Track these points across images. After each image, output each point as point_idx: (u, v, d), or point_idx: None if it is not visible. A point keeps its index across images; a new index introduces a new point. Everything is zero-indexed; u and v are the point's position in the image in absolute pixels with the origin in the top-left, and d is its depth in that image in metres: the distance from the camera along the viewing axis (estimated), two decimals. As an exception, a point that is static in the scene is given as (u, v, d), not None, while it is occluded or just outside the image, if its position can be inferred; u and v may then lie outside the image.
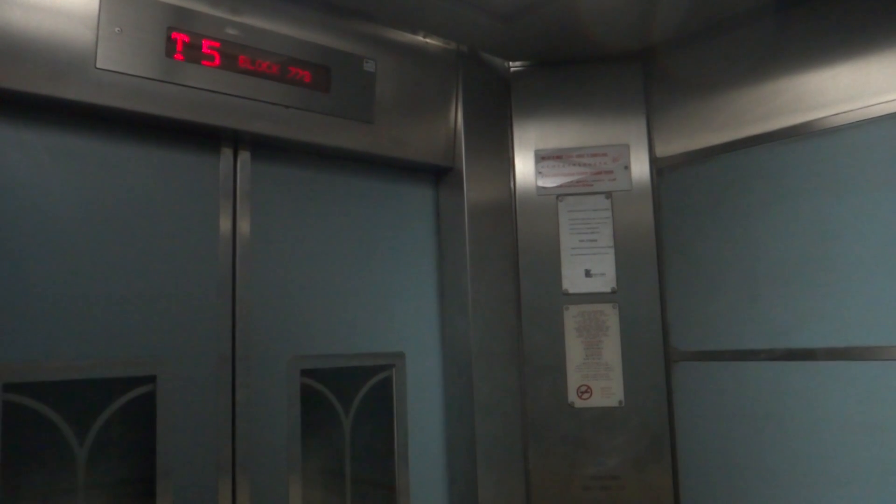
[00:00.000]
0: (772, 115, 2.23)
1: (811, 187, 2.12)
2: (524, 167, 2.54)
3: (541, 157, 2.54)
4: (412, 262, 2.42)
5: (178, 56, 1.81)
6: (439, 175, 2.51)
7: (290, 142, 2.08)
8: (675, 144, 2.47)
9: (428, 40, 2.40)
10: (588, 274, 2.47)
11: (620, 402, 2.41)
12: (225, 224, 2.00)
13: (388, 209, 2.38)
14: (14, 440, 1.67)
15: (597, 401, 2.42)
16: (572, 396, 2.43)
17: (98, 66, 1.69)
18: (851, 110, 2.05)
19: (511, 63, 2.62)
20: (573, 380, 2.43)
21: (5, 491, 1.64)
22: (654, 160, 2.51)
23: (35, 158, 1.71)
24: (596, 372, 2.42)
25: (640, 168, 2.50)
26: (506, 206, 2.52)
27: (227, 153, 2.03)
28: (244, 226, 2.04)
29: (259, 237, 2.07)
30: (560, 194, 2.51)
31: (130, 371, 1.81)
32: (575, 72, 2.58)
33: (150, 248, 1.87)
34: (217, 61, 1.88)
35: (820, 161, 2.11)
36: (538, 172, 2.53)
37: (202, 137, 1.98)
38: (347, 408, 2.25)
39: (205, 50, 1.86)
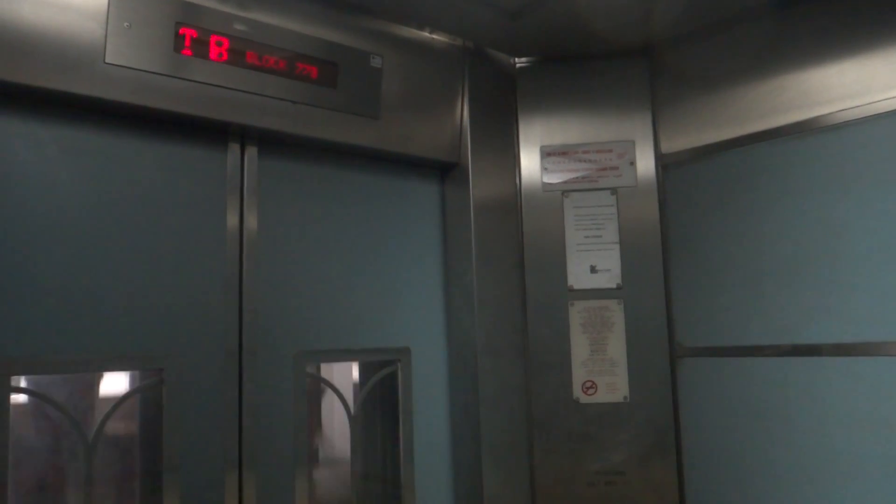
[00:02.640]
0: (777, 111, 2.23)
1: (817, 183, 2.12)
2: (529, 163, 2.54)
3: (546, 153, 2.54)
4: (418, 258, 2.43)
5: (187, 51, 1.82)
6: (445, 171, 2.51)
7: (296, 137, 2.09)
8: (681, 141, 2.47)
9: (434, 36, 2.41)
10: (593, 270, 2.47)
11: (625, 397, 2.41)
12: (232, 219, 2.01)
13: (394, 205, 2.38)
14: (22, 433, 1.69)
15: (602, 396, 2.42)
16: (577, 392, 2.43)
17: (107, 60, 1.70)
18: (857, 106, 2.05)
19: (517, 59, 2.62)
20: (578, 375, 2.44)
21: (14, 484, 1.64)
22: (659, 156, 2.51)
23: (44, 152, 1.71)
24: (601, 368, 2.43)
25: (645, 164, 2.50)
26: (511, 202, 2.52)
27: (234, 148, 2.04)
28: (251, 221, 2.04)
29: (266, 232, 2.07)
30: (565, 190, 2.52)
31: (138, 365, 1.82)
32: (580, 68, 2.58)
33: (158, 243, 1.87)
34: (225, 57, 1.89)
35: (825, 157, 2.11)
36: (543, 168, 2.53)
37: (210, 132, 1.98)
38: (353, 402, 2.25)
39: (213, 45, 1.86)
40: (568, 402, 2.43)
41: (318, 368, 2.20)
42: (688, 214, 2.43)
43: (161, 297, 1.86)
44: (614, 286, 2.46)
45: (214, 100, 1.89)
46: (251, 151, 2.06)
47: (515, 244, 2.51)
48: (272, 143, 2.10)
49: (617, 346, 2.43)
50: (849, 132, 2.07)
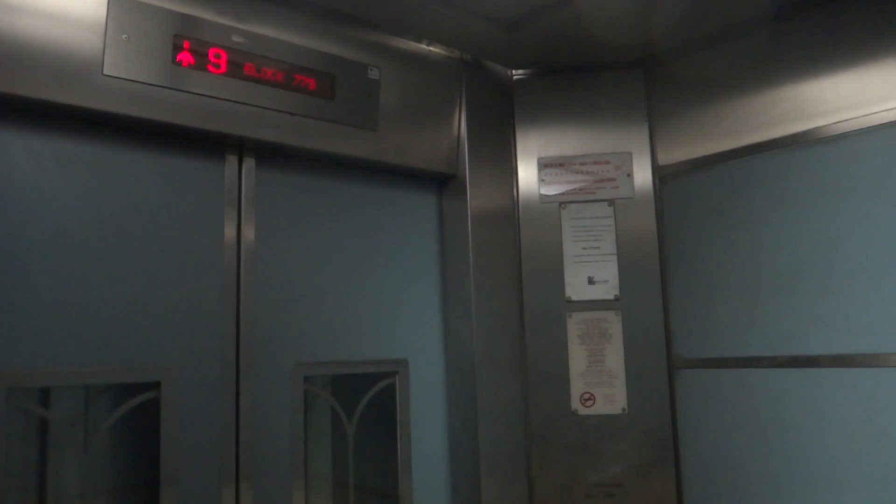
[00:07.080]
0: (773, 123, 2.24)
1: (813, 195, 2.13)
2: (527, 175, 2.55)
3: (544, 165, 2.55)
4: (416, 270, 2.42)
5: (185, 63, 1.82)
6: (443, 182, 2.51)
7: (294, 149, 2.09)
8: (678, 152, 2.48)
9: (431, 48, 2.42)
10: (591, 281, 2.47)
11: (624, 409, 2.40)
12: (229, 231, 2.01)
13: (391, 216, 2.38)
14: (19, 445, 1.68)
15: (600, 408, 2.41)
16: (576, 404, 2.42)
17: (105, 72, 1.70)
18: (852, 118, 2.06)
19: (514, 71, 2.63)
20: (576, 387, 2.43)
21: (9, 496, 1.63)
22: (656, 168, 2.52)
23: (42, 164, 1.71)
24: (599, 379, 2.42)
25: (642, 176, 2.51)
26: (509, 214, 2.52)
27: (231, 160, 2.04)
28: (248, 232, 2.04)
29: (263, 244, 2.07)
30: (563, 202, 2.52)
31: (135, 377, 1.81)
32: (577, 80, 2.59)
33: (155, 255, 1.87)
34: (223, 69, 1.89)
35: (821, 169, 2.12)
36: (541, 180, 2.54)
37: (207, 144, 1.99)
38: (351, 414, 2.24)
39: (211, 57, 1.87)
40: (566, 414, 2.42)
41: (316, 380, 2.19)
42: (685, 225, 2.43)
43: (159, 309, 1.86)
44: (612, 297, 2.46)
45: (212, 112, 1.89)
46: (249, 163, 2.07)
47: (513, 256, 2.51)
48: (270, 154, 2.10)
49: (615, 358, 2.43)
50: (844, 144, 2.08)
